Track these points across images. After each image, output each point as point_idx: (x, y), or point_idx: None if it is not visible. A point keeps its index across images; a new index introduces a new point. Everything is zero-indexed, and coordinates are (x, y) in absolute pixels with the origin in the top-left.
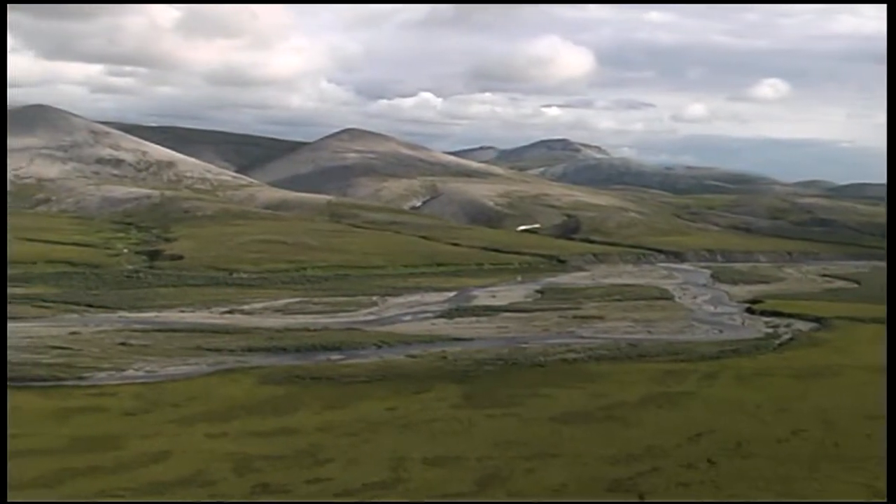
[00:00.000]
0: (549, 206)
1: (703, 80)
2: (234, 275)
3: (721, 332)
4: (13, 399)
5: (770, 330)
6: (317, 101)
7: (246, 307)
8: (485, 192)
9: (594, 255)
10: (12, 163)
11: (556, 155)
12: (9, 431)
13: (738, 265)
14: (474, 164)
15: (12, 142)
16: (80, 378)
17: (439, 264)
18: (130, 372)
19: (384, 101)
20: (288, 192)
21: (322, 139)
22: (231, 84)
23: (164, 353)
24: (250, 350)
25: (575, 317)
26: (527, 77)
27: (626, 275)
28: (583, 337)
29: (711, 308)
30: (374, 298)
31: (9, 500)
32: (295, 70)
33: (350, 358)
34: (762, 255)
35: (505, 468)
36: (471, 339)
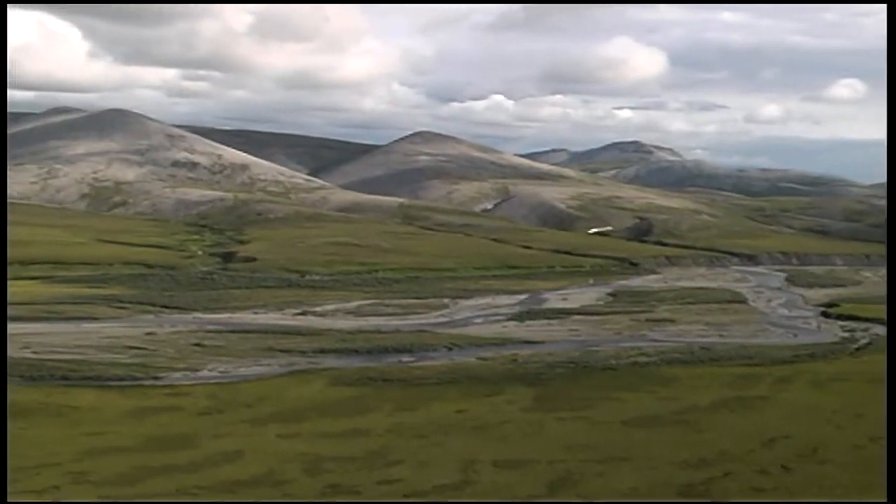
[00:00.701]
0: (620, 208)
1: (777, 80)
2: (307, 277)
3: (796, 335)
4: (94, 398)
5: (846, 334)
6: (389, 104)
7: (318, 309)
8: (556, 195)
9: (666, 257)
10: (91, 166)
11: (628, 157)
12: (90, 429)
13: (813, 268)
14: (546, 167)
15: (91, 145)
16: (156, 378)
17: (510, 267)
18: (204, 372)
19: (456, 104)
20: (360, 195)
21: (394, 142)
22: (304, 87)
23: (237, 354)
24: (322, 351)
25: (647, 320)
26: (598, 79)
27: (698, 278)
28: (655, 340)
29: (786, 311)
30: (446, 301)
31: (9, 501)
32: (367, 73)
33: (421, 360)
34: (838, 258)
35: (576, 472)
36: (542, 342)
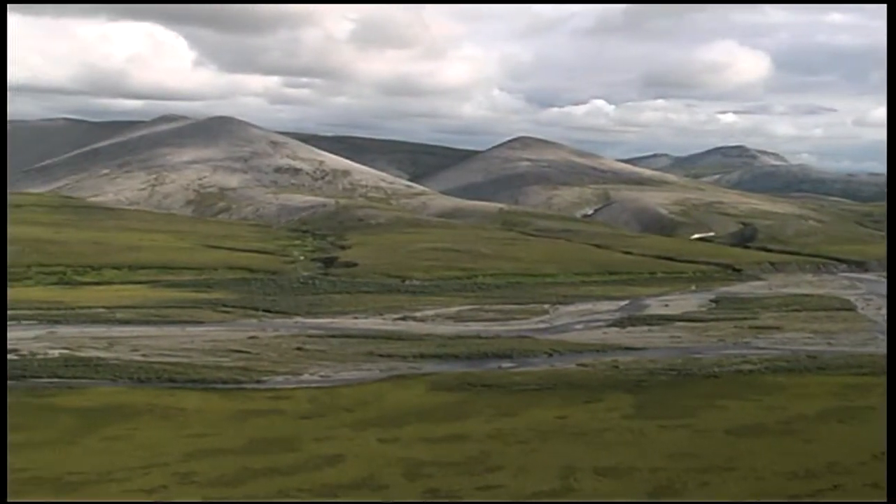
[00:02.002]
0: (724, 213)
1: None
2: (407, 282)
3: None
4: (199, 400)
5: None
6: (488, 109)
7: (418, 314)
8: (658, 200)
9: (771, 263)
10: (196, 173)
11: (731, 162)
12: (195, 431)
13: None
14: (647, 172)
15: (197, 152)
16: (259, 381)
17: (611, 273)
18: (306, 376)
19: (555, 109)
20: (460, 201)
21: (494, 147)
22: (404, 94)
23: (338, 359)
24: (422, 356)
25: (751, 327)
26: (701, 83)
27: (804, 284)
28: (759, 348)
29: None
30: (546, 307)
31: (9, 501)
32: (466, 79)
33: (521, 366)
34: None
35: (678, 481)
36: (643, 349)
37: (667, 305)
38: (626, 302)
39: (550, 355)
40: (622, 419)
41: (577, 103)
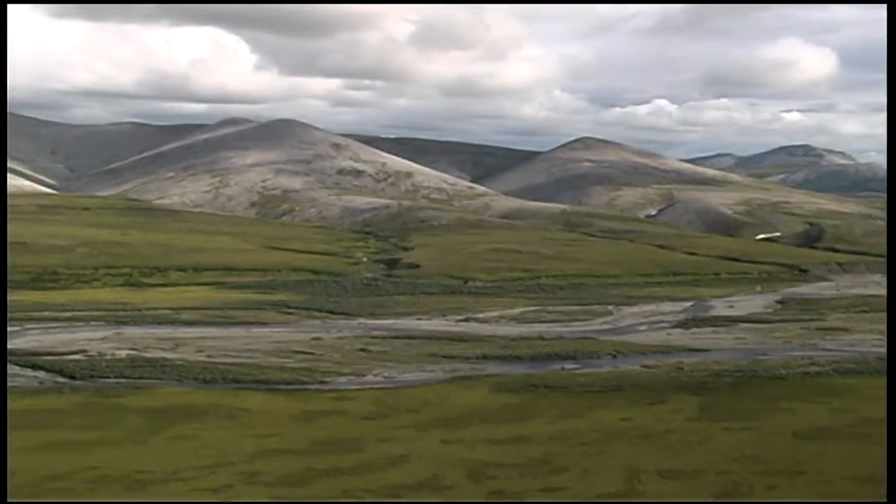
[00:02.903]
0: (789, 213)
1: None
2: (470, 283)
3: None
4: (264, 401)
5: None
6: (550, 110)
7: (481, 315)
8: (722, 200)
9: (838, 264)
10: (260, 175)
11: (796, 161)
12: (260, 431)
13: None
14: (710, 172)
15: (260, 155)
16: (322, 382)
17: (675, 273)
18: (369, 377)
19: (617, 110)
20: (522, 202)
21: (556, 148)
22: (465, 95)
23: (401, 360)
24: (485, 358)
25: (818, 328)
26: (765, 81)
27: (873, 285)
28: (827, 349)
29: None
30: (609, 308)
31: (9, 500)
32: (528, 80)
33: (584, 367)
34: None
35: (744, 484)
36: (708, 350)
37: (732, 306)
38: (691, 303)
39: (614, 356)
40: (687, 421)
41: (639, 103)
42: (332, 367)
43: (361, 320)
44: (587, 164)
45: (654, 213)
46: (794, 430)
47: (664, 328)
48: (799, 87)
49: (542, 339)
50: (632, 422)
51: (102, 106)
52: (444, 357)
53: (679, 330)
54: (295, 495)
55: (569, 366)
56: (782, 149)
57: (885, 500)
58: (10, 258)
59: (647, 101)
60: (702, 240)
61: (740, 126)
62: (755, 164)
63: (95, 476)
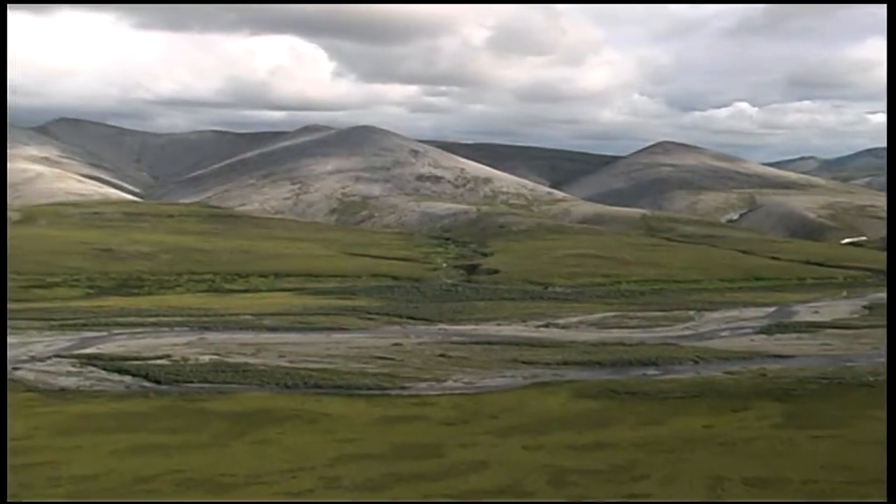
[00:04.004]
0: (876, 217)
1: None
2: (549, 289)
3: None
4: (344, 406)
5: None
6: (628, 114)
7: (561, 321)
8: (806, 204)
9: None
10: (339, 181)
11: (883, 164)
12: (341, 436)
13: None
14: (793, 176)
15: (340, 162)
16: (403, 388)
17: (758, 278)
18: (449, 383)
19: (697, 113)
20: (602, 207)
21: (635, 153)
22: (542, 100)
23: (481, 365)
24: (566, 363)
25: None
26: (849, 82)
27: None
28: None
29: None
30: (691, 313)
31: (9, 501)
32: (605, 84)
33: (666, 373)
34: None
35: (832, 493)
36: (792, 356)
37: (817, 312)
38: (774, 308)
39: (696, 363)
40: (771, 429)
41: (719, 106)
42: (412, 373)
43: (441, 326)
44: (667, 168)
45: (735, 217)
46: (883, 438)
47: (747, 334)
48: (885, 87)
49: (623, 344)
50: (714, 429)
51: (185, 115)
52: (524, 363)
53: (762, 336)
54: (376, 500)
55: (650, 372)
56: (868, 151)
57: (885, 501)
58: (98, 265)
59: (727, 105)
60: (785, 244)
61: (824, 128)
62: (840, 167)
63: (181, 479)
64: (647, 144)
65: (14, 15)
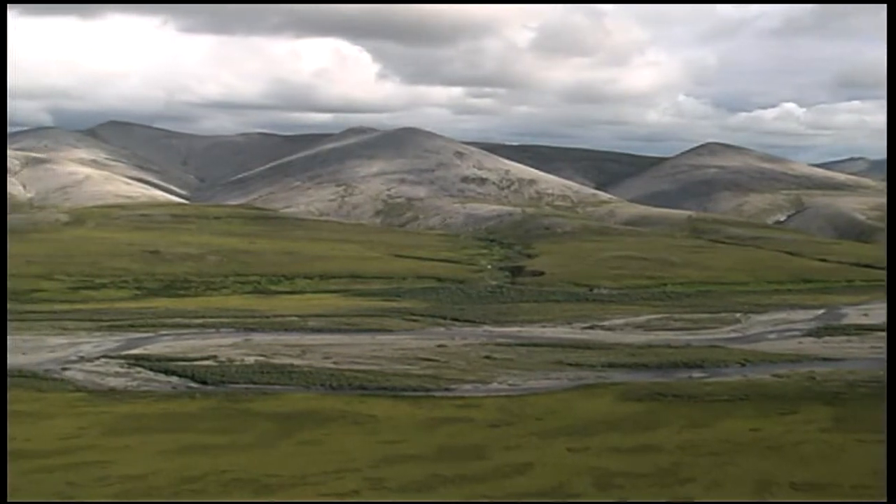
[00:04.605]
0: None
1: None
2: (595, 291)
3: None
4: (389, 407)
5: None
6: (674, 115)
7: (606, 323)
8: (854, 206)
9: None
10: (384, 183)
11: None
12: (386, 438)
13: None
14: (842, 177)
15: (384, 164)
16: (447, 389)
17: (806, 281)
18: (494, 385)
19: (743, 114)
20: (647, 208)
21: (680, 154)
22: (587, 101)
23: (526, 367)
24: (611, 366)
25: None
26: None
27: None
28: None
29: None
30: (738, 315)
31: (8, 501)
32: (650, 85)
33: (712, 376)
34: None
35: (883, 498)
36: (841, 360)
37: (866, 315)
38: (822, 311)
39: (743, 365)
40: (820, 432)
41: (766, 107)
42: (456, 375)
43: (486, 327)
44: (713, 170)
45: (782, 219)
46: None
47: (795, 336)
48: None
49: (669, 347)
50: (762, 432)
51: (230, 117)
52: (569, 365)
53: (810, 338)
54: (420, 501)
55: (696, 374)
56: None
57: (885, 501)
58: (145, 266)
59: (773, 105)
60: (833, 246)
61: (873, 129)
62: None
63: (227, 479)
64: (693, 146)
65: (62, 19)
